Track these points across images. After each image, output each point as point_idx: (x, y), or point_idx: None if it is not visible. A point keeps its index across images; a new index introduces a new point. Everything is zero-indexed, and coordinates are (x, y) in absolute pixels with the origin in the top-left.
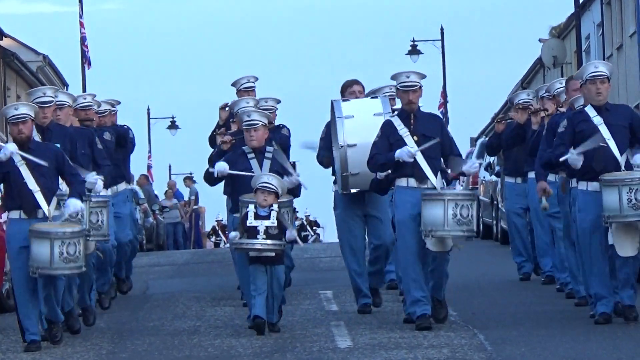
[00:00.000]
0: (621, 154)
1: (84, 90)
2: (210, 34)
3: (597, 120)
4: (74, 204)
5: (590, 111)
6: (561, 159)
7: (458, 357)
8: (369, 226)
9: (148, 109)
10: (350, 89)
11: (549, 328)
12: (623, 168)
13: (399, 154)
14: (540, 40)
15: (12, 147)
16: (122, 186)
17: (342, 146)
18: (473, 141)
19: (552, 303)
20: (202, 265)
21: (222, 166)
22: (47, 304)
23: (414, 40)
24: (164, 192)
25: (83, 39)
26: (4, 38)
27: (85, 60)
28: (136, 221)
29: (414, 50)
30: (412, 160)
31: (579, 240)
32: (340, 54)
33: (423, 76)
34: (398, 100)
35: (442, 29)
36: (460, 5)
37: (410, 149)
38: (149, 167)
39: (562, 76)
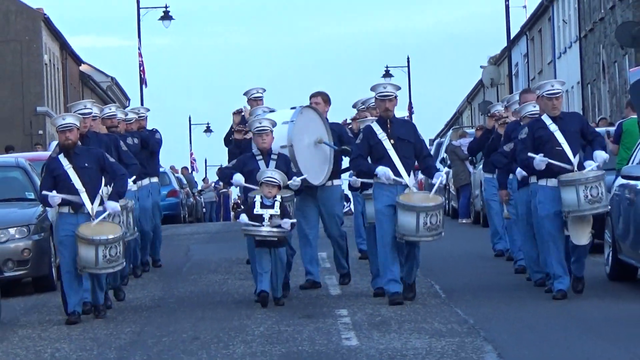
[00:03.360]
0: (574, 156)
1: (142, 104)
2: (236, 60)
3: (553, 127)
4: (113, 207)
5: (547, 119)
6: (529, 154)
7: (419, 302)
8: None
9: (189, 118)
10: (311, 100)
11: (491, 281)
12: (576, 168)
13: (380, 172)
14: (481, 66)
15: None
16: (146, 181)
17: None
18: (431, 142)
19: (496, 266)
20: (230, 234)
21: (238, 181)
22: (91, 290)
23: (387, 67)
24: (202, 179)
25: (141, 65)
26: (82, 64)
27: (143, 81)
28: (160, 210)
29: (386, 74)
30: (387, 182)
31: (539, 227)
32: (328, 76)
33: (398, 87)
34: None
35: (408, 58)
36: (422, 40)
37: (390, 175)
38: (194, 160)
39: (498, 94)
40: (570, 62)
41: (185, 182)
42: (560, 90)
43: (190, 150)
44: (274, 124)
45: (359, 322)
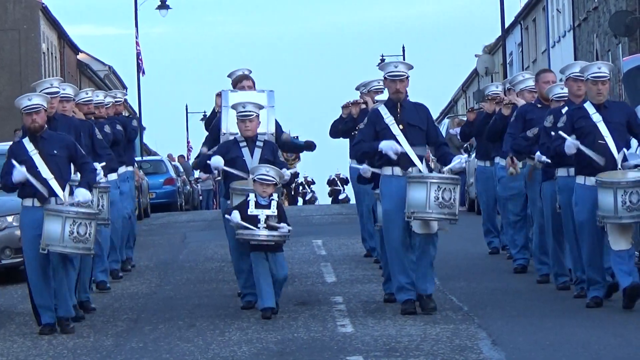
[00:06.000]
0: (618, 151)
1: (139, 92)
2: (233, 49)
3: (596, 117)
4: (83, 194)
5: (590, 108)
6: (560, 133)
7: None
8: None
9: (186, 106)
10: (240, 84)
11: (485, 268)
12: (619, 165)
13: (385, 146)
14: (475, 55)
15: (22, 173)
16: (122, 169)
17: (224, 133)
18: None
19: (490, 257)
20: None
21: (217, 162)
22: (58, 297)
23: (382, 56)
24: None
25: (138, 54)
26: (80, 53)
27: (140, 69)
28: (133, 198)
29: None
30: (396, 156)
31: (578, 231)
32: (323, 65)
33: (410, 67)
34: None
35: (403, 47)
36: (417, 29)
37: (397, 147)
38: (191, 148)
39: (492, 82)
40: (564, 51)
41: (182, 170)
42: (606, 74)
43: (187, 138)
44: (261, 108)
45: (354, 309)
